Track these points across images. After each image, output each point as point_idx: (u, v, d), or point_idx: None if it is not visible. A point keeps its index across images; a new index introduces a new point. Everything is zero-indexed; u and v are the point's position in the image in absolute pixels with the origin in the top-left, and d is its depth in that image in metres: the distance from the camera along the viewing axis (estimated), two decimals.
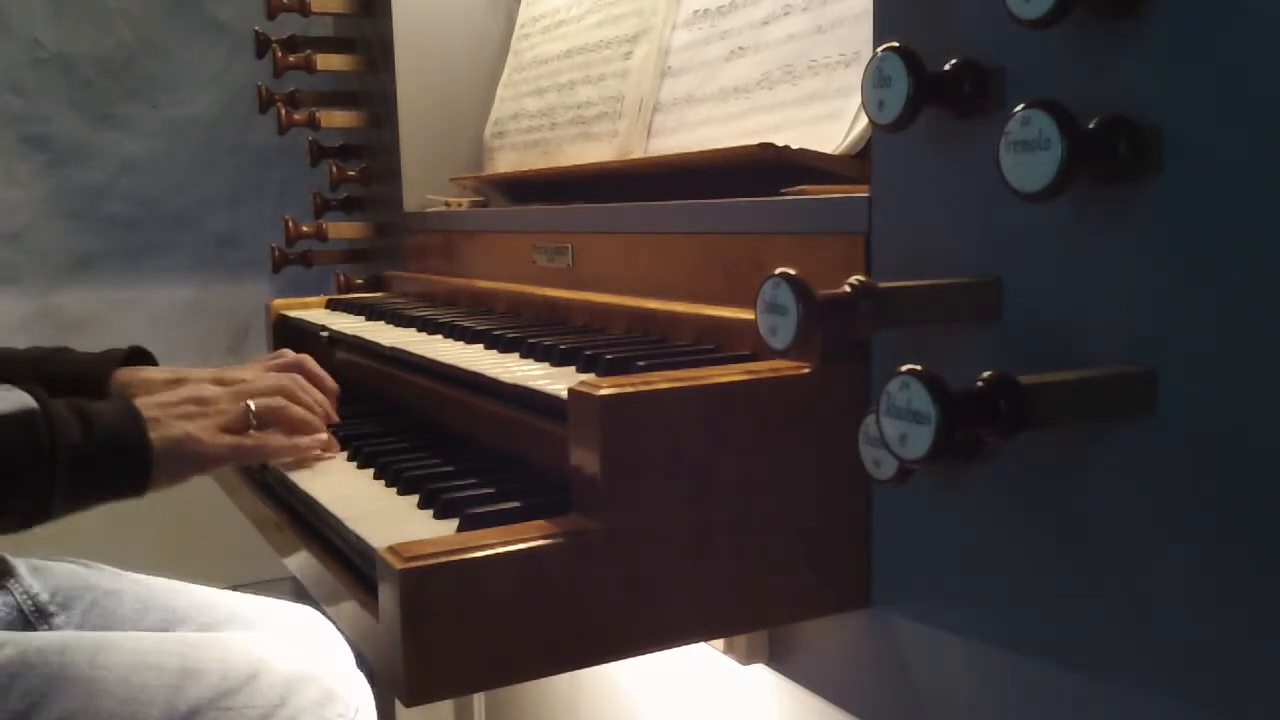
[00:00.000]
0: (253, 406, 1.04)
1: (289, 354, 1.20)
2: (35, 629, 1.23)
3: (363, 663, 1.32)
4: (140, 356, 1.26)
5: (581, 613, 0.70)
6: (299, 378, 1.12)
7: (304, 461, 1.05)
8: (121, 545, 2.11)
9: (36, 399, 0.95)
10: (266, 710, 1.15)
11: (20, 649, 1.10)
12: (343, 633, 1.27)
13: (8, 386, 0.96)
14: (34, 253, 2.33)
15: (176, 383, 1.12)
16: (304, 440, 1.05)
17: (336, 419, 1.14)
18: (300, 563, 0.93)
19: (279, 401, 1.06)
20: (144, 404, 1.01)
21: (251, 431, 1.04)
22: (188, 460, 0.99)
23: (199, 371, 1.18)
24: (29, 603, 1.24)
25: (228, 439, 1.01)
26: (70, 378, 1.17)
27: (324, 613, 1.22)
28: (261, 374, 1.12)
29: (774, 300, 0.62)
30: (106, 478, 0.96)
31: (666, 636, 0.74)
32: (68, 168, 2.34)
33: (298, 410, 1.07)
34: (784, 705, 1.13)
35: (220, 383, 1.10)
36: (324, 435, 1.08)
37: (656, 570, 0.72)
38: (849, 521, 0.77)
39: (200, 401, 1.04)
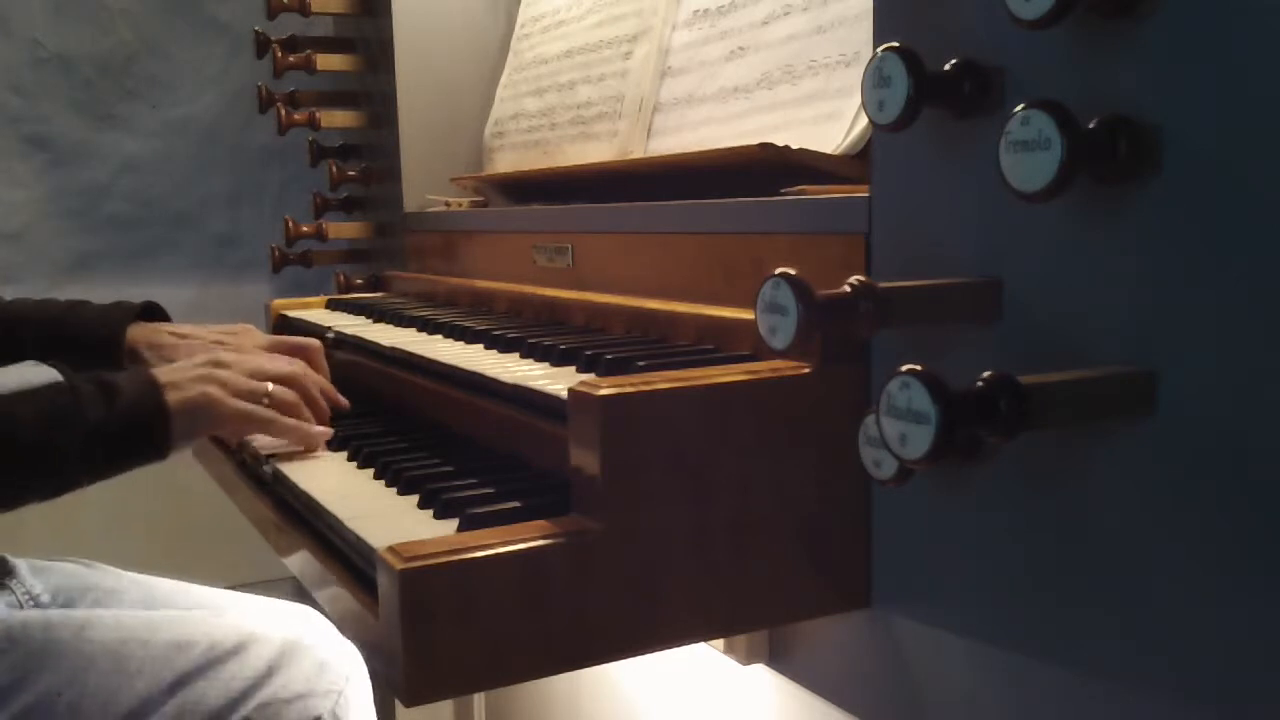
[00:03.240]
0: (270, 388, 1.08)
1: (301, 340, 1.24)
2: None
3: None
4: (152, 312, 1.33)
5: (581, 613, 0.70)
6: (310, 372, 1.15)
7: (309, 450, 1.08)
8: (121, 547, 2.11)
9: (63, 374, 0.99)
10: (255, 680, 1.15)
11: (5, 625, 1.10)
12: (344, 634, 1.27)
13: (34, 362, 1.00)
14: (34, 253, 2.33)
15: (187, 340, 1.22)
16: (313, 428, 1.09)
17: (344, 403, 1.17)
18: (300, 563, 0.93)
19: (293, 396, 1.10)
20: (161, 371, 1.06)
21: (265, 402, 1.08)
22: (203, 418, 1.03)
23: (206, 330, 1.27)
24: (30, 602, 1.24)
25: (243, 404, 1.05)
26: (85, 335, 1.26)
27: (327, 615, 1.23)
28: (272, 356, 1.16)
29: (774, 300, 0.62)
30: (130, 447, 1.01)
31: (666, 636, 0.74)
32: (68, 168, 2.34)
33: (306, 410, 1.10)
34: (784, 705, 1.13)
35: (228, 349, 1.17)
36: (329, 431, 1.10)
37: (656, 570, 0.72)
38: (849, 521, 0.77)
39: (218, 365, 1.08)
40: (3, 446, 0.95)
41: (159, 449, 1.02)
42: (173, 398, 1.02)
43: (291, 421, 1.07)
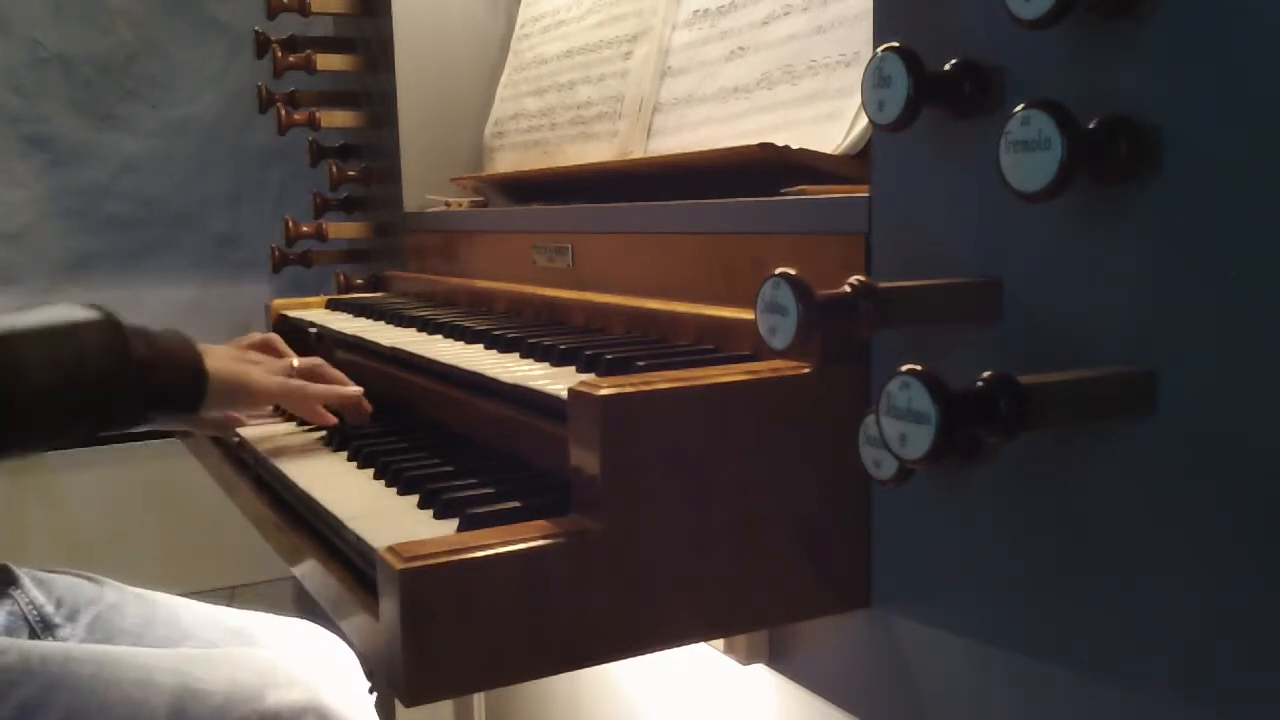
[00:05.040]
0: (295, 363, 1.16)
1: (256, 336, 1.30)
2: (40, 639, 1.22)
3: (371, 674, 1.32)
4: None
5: (581, 613, 0.70)
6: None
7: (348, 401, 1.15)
8: (121, 545, 2.11)
9: (101, 313, 1.03)
10: None
11: (22, 655, 1.10)
12: (347, 641, 1.27)
13: (70, 304, 1.04)
14: (34, 253, 2.33)
15: None
16: (345, 390, 1.15)
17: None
18: (300, 563, 0.93)
19: (316, 363, 1.17)
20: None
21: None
22: (240, 392, 1.09)
23: None
24: (34, 612, 1.24)
25: (276, 379, 1.12)
26: None
27: (330, 628, 1.23)
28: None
29: (774, 300, 0.62)
30: (169, 389, 1.05)
31: (666, 636, 0.74)
32: (68, 168, 2.34)
33: (334, 370, 1.18)
34: (784, 705, 1.13)
35: None
36: (358, 389, 1.16)
37: (656, 570, 0.72)
38: (849, 521, 0.77)
39: (246, 358, 1.15)
40: (74, 369, 0.97)
41: (193, 400, 1.06)
42: (210, 364, 1.07)
43: (321, 389, 1.13)
